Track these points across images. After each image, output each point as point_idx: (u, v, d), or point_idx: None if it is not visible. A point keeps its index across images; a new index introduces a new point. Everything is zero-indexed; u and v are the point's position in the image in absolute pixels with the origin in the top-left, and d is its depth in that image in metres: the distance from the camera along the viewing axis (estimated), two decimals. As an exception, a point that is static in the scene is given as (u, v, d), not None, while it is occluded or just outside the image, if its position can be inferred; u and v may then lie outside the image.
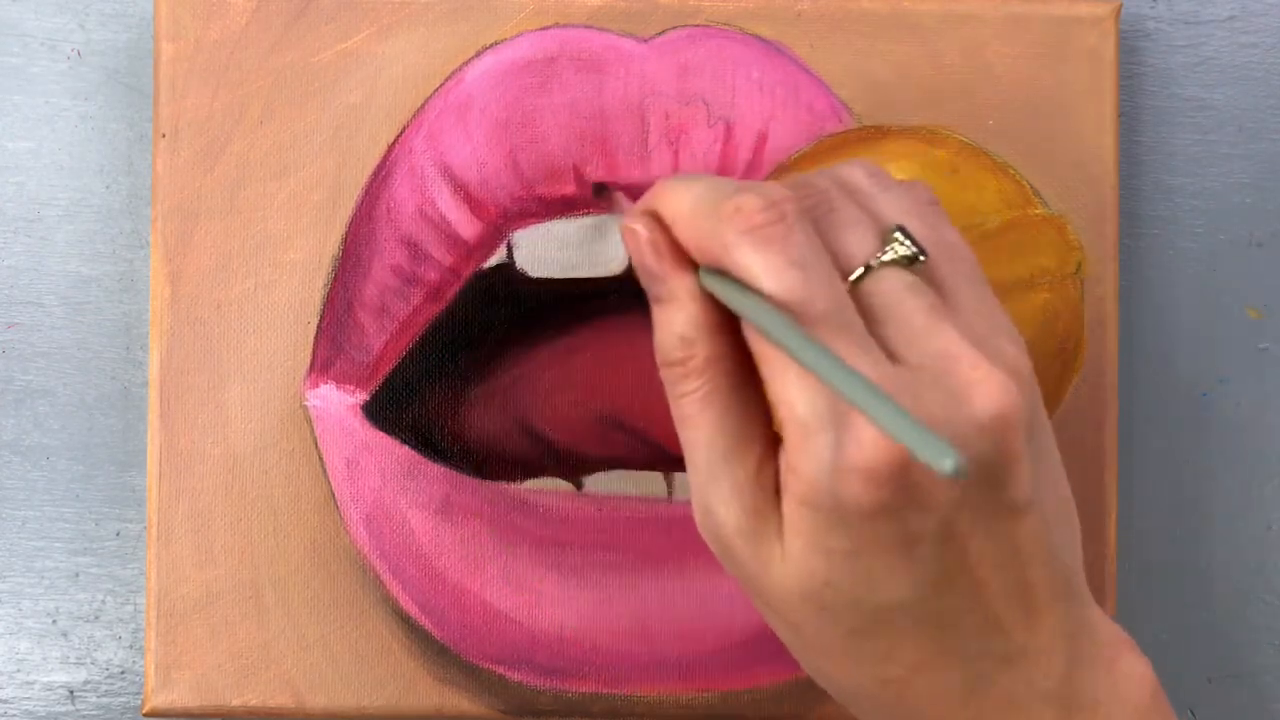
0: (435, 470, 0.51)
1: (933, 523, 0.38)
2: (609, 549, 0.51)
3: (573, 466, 0.52)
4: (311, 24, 0.51)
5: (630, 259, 0.41)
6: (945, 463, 0.33)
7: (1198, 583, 0.54)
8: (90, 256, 0.53)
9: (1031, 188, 0.51)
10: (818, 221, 0.40)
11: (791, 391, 0.37)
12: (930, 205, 0.42)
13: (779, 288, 0.38)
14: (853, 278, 0.39)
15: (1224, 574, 0.54)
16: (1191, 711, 0.54)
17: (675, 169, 0.51)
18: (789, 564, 0.39)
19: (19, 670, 0.53)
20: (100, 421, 0.53)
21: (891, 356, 0.38)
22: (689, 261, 0.40)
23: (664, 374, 0.40)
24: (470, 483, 0.51)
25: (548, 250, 0.51)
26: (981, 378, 0.38)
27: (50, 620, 0.53)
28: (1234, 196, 0.54)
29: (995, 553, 0.39)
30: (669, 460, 0.52)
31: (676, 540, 0.51)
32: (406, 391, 0.51)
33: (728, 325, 0.40)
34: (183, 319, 0.51)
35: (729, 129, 0.51)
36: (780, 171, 0.50)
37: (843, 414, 0.37)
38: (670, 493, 0.51)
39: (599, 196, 0.51)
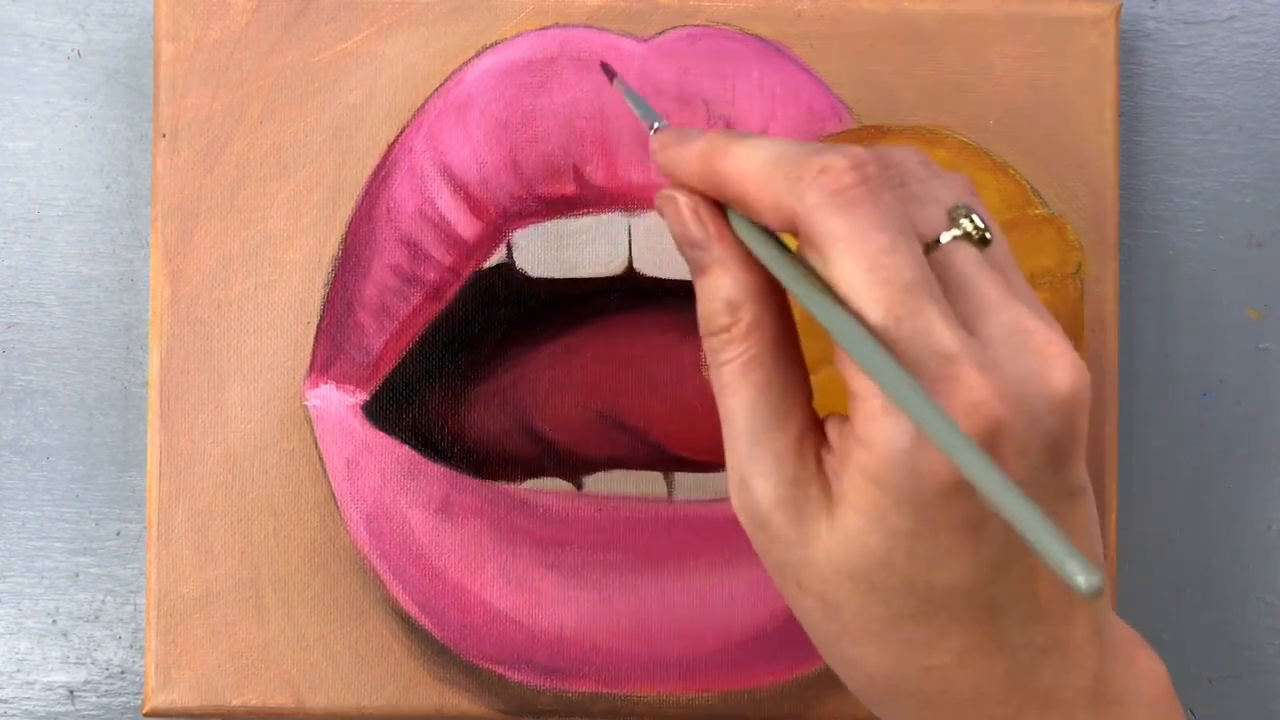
0: (435, 470, 0.51)
1: None
2: (609, 549, 0.51)
3: (573, 466, 0.52)
4: (311, 24, 0.51)
5: (671, 230, 0.40)
6: (1084, 581, 0.31)
7: (1198, 583, 0.54)
8: (90, 256, 0.53)
9: (1031, 188, 0.51)
10: (892, 191, 0.39)
11: None
12: (975, 196, 0.41)
13: (866, 253, 0.37)
14: (924, 250, 0.38)
15: (1224, 574, 0.54)
16: (1191, 711, 0.54)
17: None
18: (840, 542, 0.38)
19: (19, 670, 0.53)
20: (100, 421, 0.53)
21: (967, 327, 0.38)
22: (728, 226, 0.40)
23: (708, 344, 0.40)
24: (470, 482, 0.51)
25: (548, 250, 0.51)
26: (1058, 353, 0.37)
27: (50, 620, 0.53)
28: (1234, 196, 0.54)
29: None
30: (669, 460, 0.52)
31: (676, 540, 0.51)
32: (406, 391, 0.51)
33: (772, 292, 0.39)
34: (183, 319, 0.51)
35: (729, 129, 0.51)
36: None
37: (933, 385, 0.36)
38: (670, 493, 0.51)
39: (608, 75, 0.50)
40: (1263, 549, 0.54)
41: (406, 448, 0.51)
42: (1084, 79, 0.52)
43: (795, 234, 0.38)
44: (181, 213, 0.51)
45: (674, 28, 0.52)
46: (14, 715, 0.53)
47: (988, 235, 0.39)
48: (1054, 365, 0.37)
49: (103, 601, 0.53)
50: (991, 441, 0.36)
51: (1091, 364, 0.51)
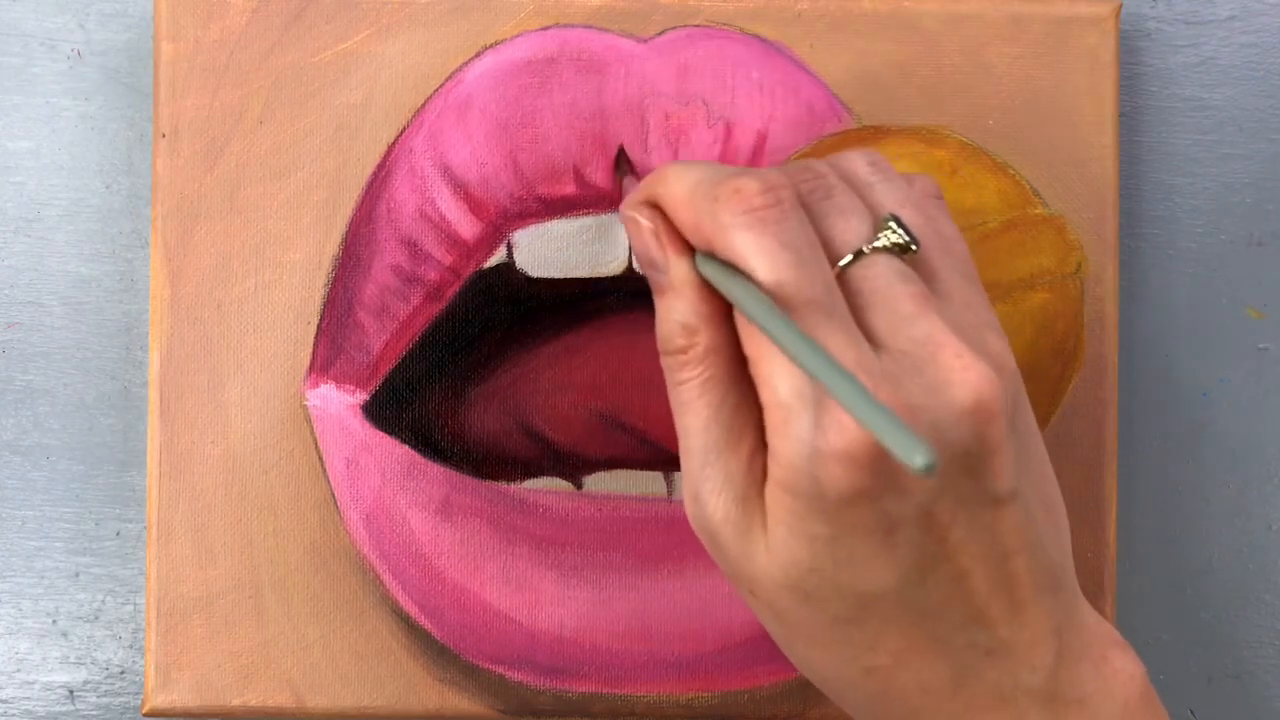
0: (435, 470, 0.51)
1: (911, 509, 0.38)
2: (609, 549, 0.51)
3: (573, 466, 0.52)
4: (311, 24, 0.51)
5: (632, 249, 0.42)
6: (916, 458, 0.33)
7: (1198, 583, 0.54)
8: (90, 256, 0.53)
9: (1031, 188, 0.51)
10: (813, 206, 0.40)
11: (774, 374, 0.38)
12: (930, 198, 0.42)
13: (770, 269, 0.38)
14: (842, 263, 0.39)
15: (1224, 574, 0.54)
16: (1191, 711, 0.54)
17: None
18: (772, 552, 0.39)
19: (19, 670, 0.53)
20: (100, 421, 0.53)
21: (875, 343, 0.39)
22: (690, 250, 0.40)
23: (664, 362, 0.41)
24: (470, 483, 0.51)
25: (548, 250, 0.51)
26: (964, 366, 0.38)
27: (50, 620, 0.53)
28: (1234, 196, 0.54)
29: (977, 543, 0.39)
30: (669, 460, 0.52)
31: (676, 540, 0.51)
32: (406, 391, 0.51)
33: (728, 316, 0.40)
34: (183, 319, 0.51)
35: (729, 129, 0.51)
36: (780, 171, 0.50)
37: (823, 397, 0.37)
38: (670, 493, 0.51)
39: (617, 171, 0.51)
40: (1263, 549, 0.54)
41: (406, 448, 0.51)
42: (1084, 79, 0.52)
43: (714, 254, 0.40)
44: (181, 213, 0.51)
45: (674, 28, 0.52)
46: (14, 715, 0.53)
47: (913, 246, 0.40)
48: (959, 377, 0.38)
49: (103, 601, 0.53)
50: (883, 451, 0.37)
51: (1091, 364, 0.51)
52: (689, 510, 0.41)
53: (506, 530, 0.51)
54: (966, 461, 0.38)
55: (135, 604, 0.53)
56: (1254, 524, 0.54)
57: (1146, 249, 0.54)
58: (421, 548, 0.51)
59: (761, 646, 0.51)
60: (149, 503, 0.51)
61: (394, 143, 0.51)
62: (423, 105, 0.51)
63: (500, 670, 0.51)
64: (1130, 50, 0.54)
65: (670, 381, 0.41)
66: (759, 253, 0.38)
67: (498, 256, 0.51)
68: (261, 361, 0.51)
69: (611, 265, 0.51)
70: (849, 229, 0.40)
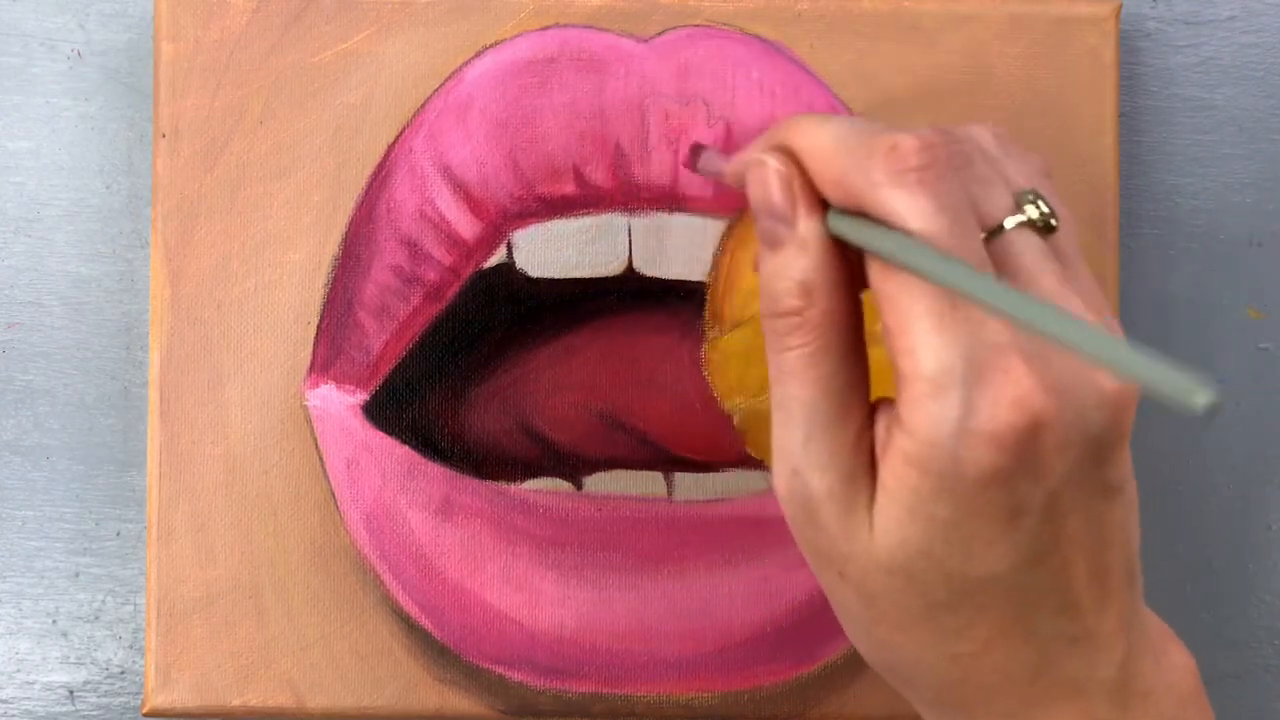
0: (435, 470, 0.51)
1: (1041, 494, 0.37)
2: (609, 549, 0.51)
3: (573, 466, 0.52)
4: (311, 24, 0.51)
5: (752, 195, 0.39)
6: (1198, 398, 0.30)
7: (1198, 583, 0.54)
8: (90, 256, 0.53)
9: (1031, 188, 0.51)
10: (958, 173, 0.38)
11: (921, 344, 0.36)
12: (1048, 178, 0.41)
13: (928, 233, 0.36)
14: (984, 235, 0.38)
15: (1224, 574, 0.54)
16: (1191, 711, 0.54)
17: (675, 169, 0.51)
18: (880, 533, 0.38)
19: (19, 670, 0.53)
20: (100, 421, 0.53)
21: None
22: (821, 206, 0.39)
23: (770, 324, 0.39)
24: (470, 483, 0.51)
25: (548, 250, 0.51)
26: None
27: (50, 620, 0.53)
28: (1234, 196, 0.54)
29: (1087, 532, 0.38)
30: (669, 460, 0.52)
31: (676, 540, 0.51)
32: (406, 391, 0.51)
33: (847, 281, 0.39)
34: (183, 319, 0.51)
35: (729, 129, 0.51)
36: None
37: (975, 373, 0.36)
38: (670, 493, 0.51)
39: (693, 156, 0.50)
40: (1263, 549, 0.54)
41: (406, 448, 0.51)
42: (1084, 79, 0.52)
43: (857, 211, 0.38)
44: (181, 213, 0.51)
45: (674, 28, 0.52)
46: (14, 715, 0.53)
47: (1053, 222, 0.39)
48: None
49: (103, 601, 0.53)
50: (1033, 434, 0.36)
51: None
52: (783, 485, 0.39)
53: (507, 530, 0.51)
54: (1098, 448, 0.37)
55: (135, 604, 0.53)
56: (1254, 524, 0.54)
57: (1146, 249, 0.54)
58: (422, 548, 0.51)
59: (762, 646, 0.51)
60: (149, 503, 0.51)
61: (394, 143, 0.51)
62: (423, 105, 0.51)
63: (500, 670, 0.51)
64: (1130, 50, 0.54)
65: (774, 347, 0.39)
66: (917, 214, 0.37)
67: (498, 256, 0.51)
68: (261, 361, 0.51)
69: (611, 265, 0.51)
70: (993, 200, 0.38)
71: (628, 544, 0.51)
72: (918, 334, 0.36)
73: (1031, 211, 0.38)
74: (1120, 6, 0.52)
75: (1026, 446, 0.36)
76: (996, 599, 0.38)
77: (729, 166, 0.42)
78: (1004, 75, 0.52)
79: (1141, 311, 0.54)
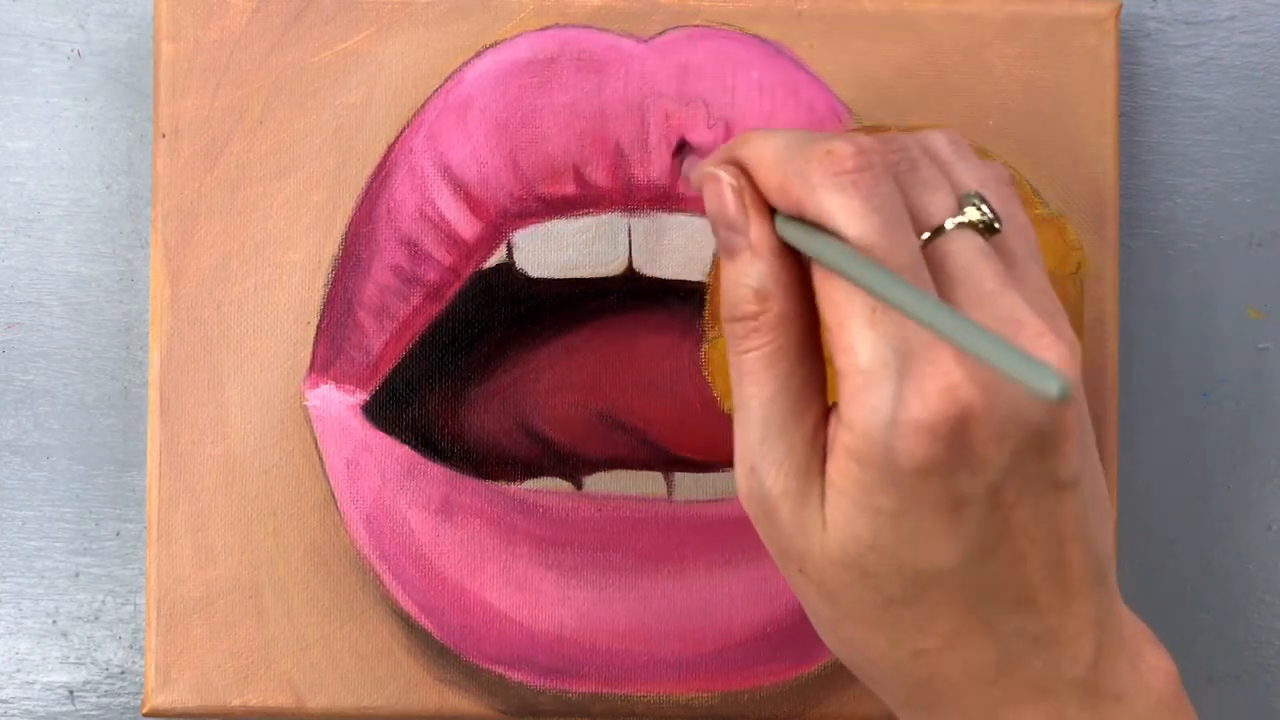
0: (435, 470, 0.51)
1: (982, 486, 0.38)
2: (609, 549, 0.51)
3: (573, 466, 0.52)
4: (311, 24, 0.51)
5: (708, 208, 0.41)
6: (1050, 385, 0.32)
7: (1198, 583, 0.54)
8: (90, 256, 0.53)
9: (1031, 188, 0.51)
10: (900, 177, 0.40)
11: (856, 340, 0.37)
12: (1004, 184, 0.42)
13: (860, 233, 0.38)
14: (926, 236, 0.39)
15: (1224, 574, 0.54)
16: (1191, 711, 0.54)
17: (675, 169, 0.51)
18: (831, 527, 0.39)
19: (19, 670, 0.53)
20: (100, 421, 0.53)
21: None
22: (770, 214, 0.40)
23: (730, 328, 0.40)
24: (470, 483, 0.51)
25: (548, 250, 0.51)
26: (1046, 345, 0.38)
27: (50, 620, 0.53)
28: (1234, 196, 0.54)
29: (1037, 526, 0.39)
30: (669, 460, 0.52)
31: (676, 540, 0.51)
32: (406, 391, 0.51)
33: (799, 284, 0.40)
34: (183, 319, 0.51)
35: (729, 129, 0.51)
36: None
37: (906, 366, 0.37)
38: (670, 493, 0.51)
39: (678, 156, 0.50)
40: (1263, 549, 0.54)
41: (406, 448, 0.51)
42: (1084, 79, 0.52)
43: (800, 216, 0.39)
44: (181, 213, 0.51)
45: (674, 28, 0.52)
46: (14, 715, 0.53)
47: (996, 225, 0.39)
48: (1040, 356, 0.38)
49: (103, 601, 0.53)
50: (963, 424, 0.37)
51: (1091, 364, 0.51)
52: (742, 484, 0.40)
53: (507, 530, 0.51)
54: (1039, 442, 0.38)
55: (135, 604, 0.53)
56: (1254, 524, 0.54)
57: (1146, 249, 0.54)
58: (421, 548, 0.51)
59: (762, 646, 0.51)
60: (149, 503, 0.51)
61: (394, 143, 0.51)
62: (423, 105, 0.51)
63: (500, 670, 0.51)
64: (1130, 50, 0.54)
65: (734, 350, 0.40)
66: (849, 214, 0.38)
67: (498, 256, 0.51)
68: (261, 361, 0.51)
69: (611, 265, 0.51)
70: (934, 202, 0.39)
71: (628, 544, 0.51)
72: (852, 330, 0.38)
73: (972, 213, 0.39)
74: (1120, 6, 0.52)
75: (958, 436, 0.37)
76: (952, 593, 0.39)
77: (692, 177, 0.43)
78: (1004, 75, 0.52)
79: (1141, 311, 0.54)
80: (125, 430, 0.53)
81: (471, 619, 0.51)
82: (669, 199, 0.51)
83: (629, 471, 0.51)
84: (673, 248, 0.51)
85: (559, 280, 0.51)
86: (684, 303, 0.51)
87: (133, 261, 0.53)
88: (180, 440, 0.51)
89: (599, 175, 0.51)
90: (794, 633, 0.51)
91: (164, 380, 0.51)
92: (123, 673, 0.53)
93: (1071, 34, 0.52)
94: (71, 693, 0.53)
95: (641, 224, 0.51)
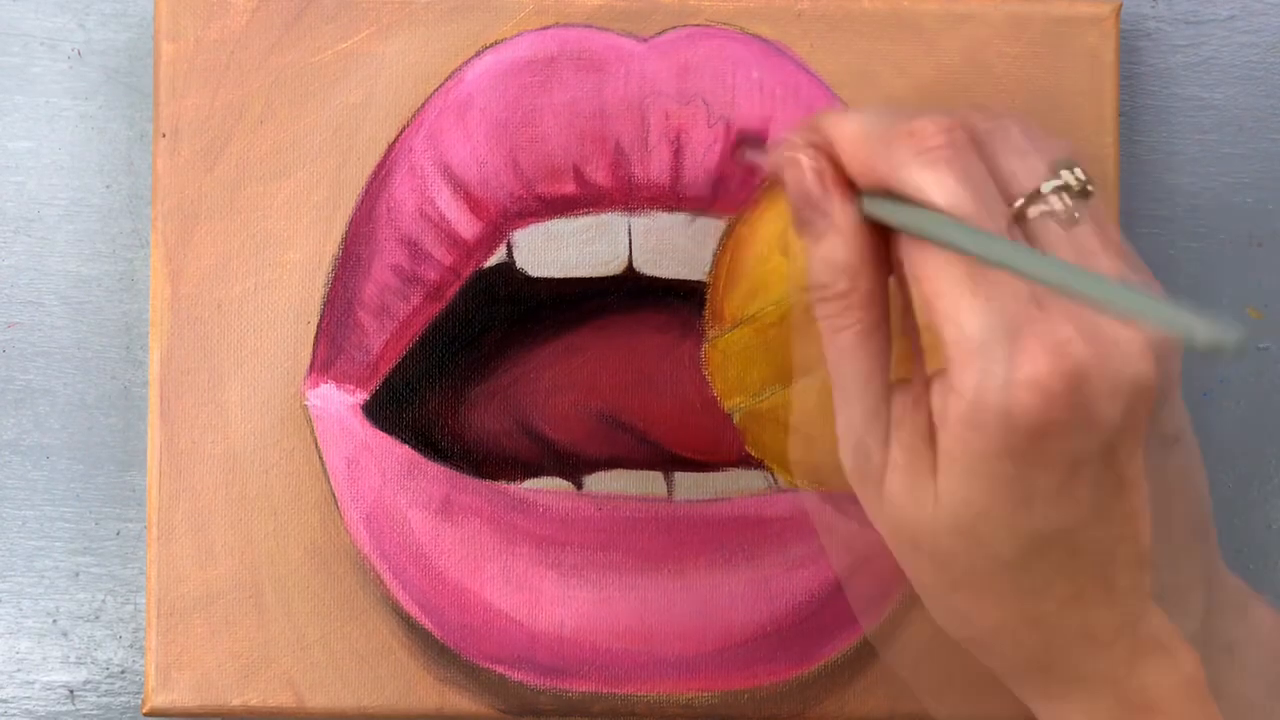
0: (435, 470, 0.51)
1: (1097, 444, 0.38)
2: (609, 549, 0.51)
3: (573, 466, 0.52)
4: (311, 24, 0.51)
5: (789, 190, 0.41)
6: (1223, 335, 0.32)
7: (1198, 582, 0.54)
8: (90, 256, 0.53)
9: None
10: (989, 145, 0.40)
11: (960, 308, 0.37)
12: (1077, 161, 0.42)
13: (952, 205, 0.38)
14: (1019, 203, 0.39)
15: (1224, 574, 0.54)
16: (1191, 711, 0.54)
17: (675, 168, 0.51)
18: (944, 497, 0.39)
19: (19, 670, 0.53)
20: (100, 421, 0.53)
21: None
22: (854, 193, 0.40)
23: (822, 309, 0.40)
24: (470, 482, 0.51)
25: (548, 250, 0.51)
26: None
27: (50, 620, 0.53)
28: (1234, 196, 0.54)
29: (1150, 482, 0.39)
30: (669, 460, 0.52)
31: (676, 540, 0.51)
32: (406, 391, 0.51)
33: (882, 262, 0.40)
34: (183, 318, 0.51)
35: (729, 128, 0.51)
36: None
37: (1014, 327, 0.37)
38: (670, 493, 0.51)
39: (739, 147, 0.50)
40: (1263, 549, 0.54)
41: (406, 447, 0.51)
42: (1084, 79, 0.52)
43: (886, 193, 0.39)
44: (181, 212, 0.51)
45: (674, 28, 0.52)
46: (14, 715, 0.53)
47: (1089, 187, 0.39)
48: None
49: (103, 601, 0.53)
50: (1078, 380, 0.37)
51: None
52: (849, 462, 0.40)
53: (507, 530, 0.51)
54: (1149, 397, 0.38)
55: (135, 604, 0.53)
56: (1254, 524, 0.54)
57: (1146, 249, 0.54)
58: (422, 547, 0.51)
59: (761, 646, 0.51)
60: (149, 502, 0.51)
61: (394, 142, 0.51)
62: (423, 105, 0.51)
63: (501, 670, 0.51)
64: (1130, 50, 0.54)
65: (827, 329, 0.40)
66: (940, 188, 0.38)
67: (498, 256, 0.51)
68: (261, 361, 0.51)
69: (611, 265, 0.51)
70: (1025, 169, 0.39)
71: (628, 544, 0.51)
72: (954, 299, 0.38)
73: (1068, 177, 0.39)
74: (1120, 6, 0.52)
75: (1073, 393, 0.37)
76: (1068, 555, 0.39)
77: (768, 162, 0.43)
78: (1004, 75, 0.52)
79: (1141, 311, 0.54)
80: (125, 430, 0.53)
81: (472, 618, 0.51)
82: (669, 198, 0.51)
83: (629, 471, 0.51)
84: (673, 247, 0.51)
85: (559, 280, 0.51)
86: (684, 302, 0.51)
87: (133, 261, 0.53)
88: (180, 440, 0.51)
89: (599, 175, 0.51)
90: (794, 633, 0.51)
91: (164, 380, 0.51)
92: (123, 672, 0.53)
93: (1071, 34, 0.52)
94: (72, 692, 0.53)
95: (642, 223, 0.51)
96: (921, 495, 0.39)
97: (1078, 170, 0.39)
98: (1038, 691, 0.41)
